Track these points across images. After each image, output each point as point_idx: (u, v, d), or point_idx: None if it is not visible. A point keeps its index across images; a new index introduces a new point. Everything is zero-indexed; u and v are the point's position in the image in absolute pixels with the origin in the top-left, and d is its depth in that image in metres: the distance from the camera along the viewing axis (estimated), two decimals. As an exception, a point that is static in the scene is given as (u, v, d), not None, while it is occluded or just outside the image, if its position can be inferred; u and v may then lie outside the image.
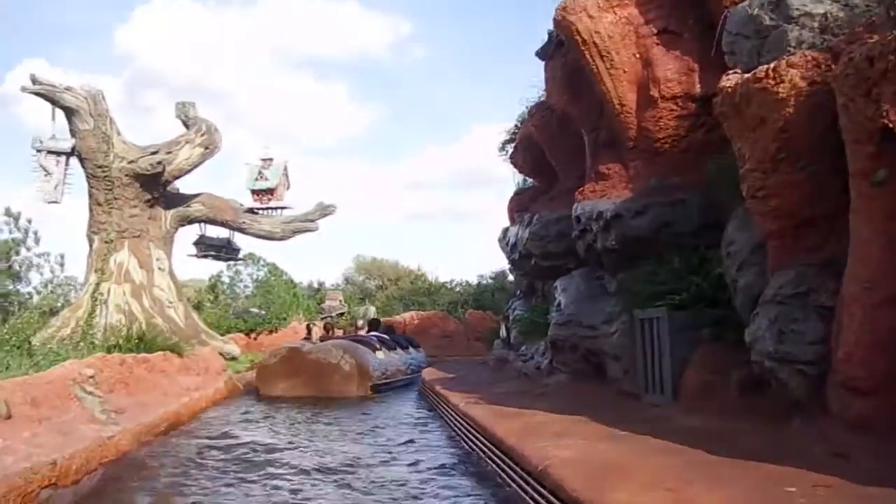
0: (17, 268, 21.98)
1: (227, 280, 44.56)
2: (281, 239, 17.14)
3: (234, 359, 16.55)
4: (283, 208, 17.38)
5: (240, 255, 19.02)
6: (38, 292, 21.69)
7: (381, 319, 20.62)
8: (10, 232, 20.63)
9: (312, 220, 17.11)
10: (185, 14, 73.47)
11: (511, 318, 15.15)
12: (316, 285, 36.63)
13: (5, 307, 19.98)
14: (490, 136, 62.97)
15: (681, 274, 6.77)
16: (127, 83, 71.73)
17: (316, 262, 69.40)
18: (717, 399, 5.73)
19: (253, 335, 19.04)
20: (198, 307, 24.34)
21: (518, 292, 16.37)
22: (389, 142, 75.75)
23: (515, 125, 16.55)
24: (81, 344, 11.86)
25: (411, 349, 17.18)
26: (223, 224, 17.11)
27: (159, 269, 15.51)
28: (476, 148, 66.33)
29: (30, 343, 9.75)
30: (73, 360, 8.59)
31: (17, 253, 21.35)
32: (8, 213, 20.27)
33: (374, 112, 76.06)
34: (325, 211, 17.10)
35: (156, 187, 15.28)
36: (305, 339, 16.13)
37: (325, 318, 23.63)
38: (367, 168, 70.90)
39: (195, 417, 11.28)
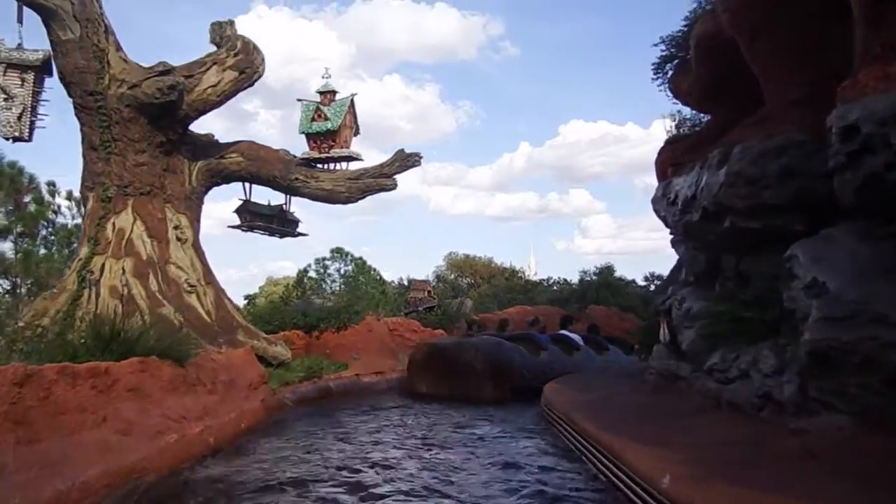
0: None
1: (314, 275, 42.65)
2: (347, 200, 12.42)
3: (281, 364, 12.02)
4: (349, 159, 12.67)
5: (298, 229, 14.53)
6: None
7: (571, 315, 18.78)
8: (73, 218, 17.61)
9: (389, 176, 12.30)
10: (281, 22, 73.10)
11: (678, 313, 9.88)
12: (406, 283, 33.46)
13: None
14: (584, 133, 59.90)
15: None
16: (228, 91, 71.59)
17: (406, 259, 66.79)
18: None
19: (315, 333, 14.55)
20: (286, 303, 20.48)
21: (684, 275, 11.03)
22: (481, 141, 74.69)
23: (682, 27, 11.43)
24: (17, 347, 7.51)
25: (614, 350, 14.83)
26: (270, 182, 12.60)
27: (178, 239, 11.14)
28: (569, 146, 62.77)
29: None
30: None
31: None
32: (69, 197, 17.31)
33: (465, 112, 74.52)
34: (406, 162, 12.24)
35: (172, 126, 10.91)
36: (468, 334, 15.17)
37: (410, 311, 18.95)
38: (459, 168, 69.08)
39: (191, 467, 6.73)
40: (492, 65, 73.47)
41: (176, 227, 11.17)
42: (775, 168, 7.30)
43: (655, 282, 34.16)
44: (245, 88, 11.45)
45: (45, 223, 18.35)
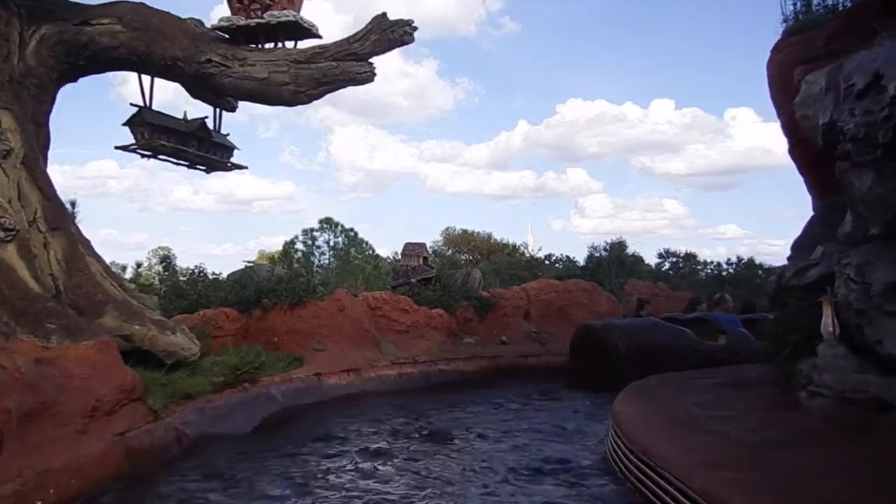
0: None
1: (302, 247, 39.23)
2: (293, 97, 7.60)
3: (182, 364, 7.35)
4: (297, 32, 7.85)
5: (231, 159, 9.78)
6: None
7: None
8: None
9: (361, 57, 7.50)
10: None
11: (857, 292, 5.24)
12: (399, 258, 30.37)
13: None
14: (582, 112, 57.41)
15: None
16: (222, 63, 67.90)
17: (402, 237, 62.99)
18: None
19: (257, 312, 9.89)
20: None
21: (851, 226, 6.34)
22: (479, 119, 71.61)
23: None
24: None
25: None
26: (169, 69, 7.77)
27: (-9, 150, 6.37)
28: (567, 125, 59.53)
29: None
30: None
31: None
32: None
33: (464, 89, 71.18)
34: (389, 34, 7.38)
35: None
36: (637, 314, 13.77)
37: (400, 284, 14.26)
38: (456, 145, 65.73)
39: None
40: (491, 41, 69.91)
41: (-12, 130, 6.40)
42: None
43: (670, 259, 30.31)
44: None
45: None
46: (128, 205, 63.16)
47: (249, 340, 9.70)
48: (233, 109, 10.01)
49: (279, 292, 9.88)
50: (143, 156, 9.04)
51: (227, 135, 9.91)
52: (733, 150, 58.41)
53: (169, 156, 9.10)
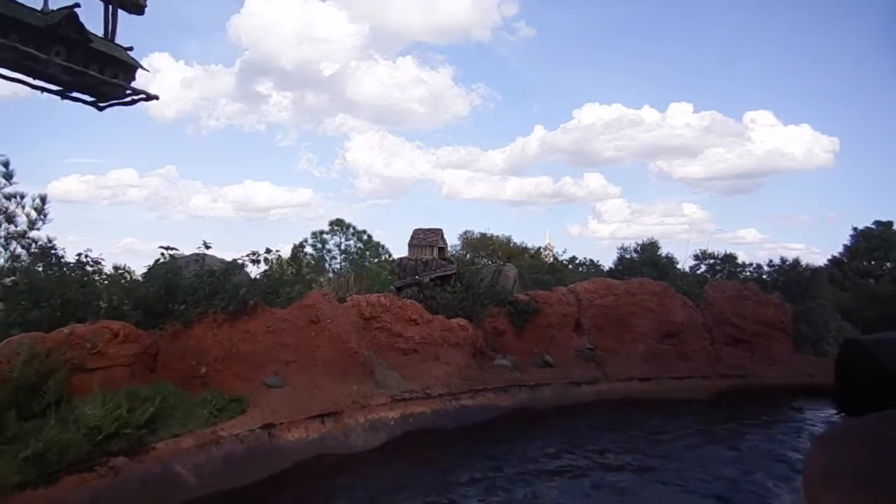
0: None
1: (312, 251, 36.77)
2: None
3: None
4: None
5: (132, 84, 6.13)
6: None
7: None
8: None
9: None
10: (293, 1, 68.44)
11: None
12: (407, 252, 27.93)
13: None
14: (598, 116, 55.59)
15: None
16: (239, 72, 67.83)
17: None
18: None
19: (173, 325, 6.20)
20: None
21: None
22: (495, 125, 69.90)
23: None
24: None
25: None
26: None
27: None
28: (583, 130, 57.18)
29: None
30: None
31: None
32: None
33: (479, 95, 69.71)
34: None
35: None
36: None
37: (408, 284, 10.50)
38: (472, 151, 64.00)
39: None
40: (507, 46, 68.26)
41: None
42: None
43: (707, 261, 26.93)
44: None
45: None
46: (147, 213, 62.28)
47: (158, 374, 5.98)
48: (140, 10, 6.37)
49: (209, 297, 6.13)
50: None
51: (130, 49, 6.23)
52: (753, 154, 55.06)
53: (11, 69, 5.40)
